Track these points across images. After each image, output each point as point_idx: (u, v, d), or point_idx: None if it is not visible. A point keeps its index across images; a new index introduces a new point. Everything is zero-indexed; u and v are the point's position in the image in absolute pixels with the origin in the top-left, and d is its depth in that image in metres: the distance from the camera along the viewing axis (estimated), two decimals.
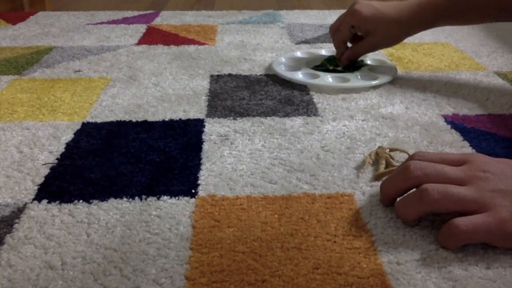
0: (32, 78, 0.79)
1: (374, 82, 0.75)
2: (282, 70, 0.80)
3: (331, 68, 0.81)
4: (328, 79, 0.76)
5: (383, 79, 0.76)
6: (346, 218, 0.45)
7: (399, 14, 0.73)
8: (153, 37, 1.04)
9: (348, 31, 0.77)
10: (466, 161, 0.44)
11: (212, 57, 0.91)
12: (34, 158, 0.55)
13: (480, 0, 0.69)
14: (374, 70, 0.80)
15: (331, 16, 1.24)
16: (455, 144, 0.58)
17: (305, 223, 0.44)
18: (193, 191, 0.49)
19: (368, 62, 0.85)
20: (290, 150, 0.57)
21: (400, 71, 0.83)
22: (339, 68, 0.81)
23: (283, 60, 0.85)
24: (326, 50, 0.90)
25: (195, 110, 0.68)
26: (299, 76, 0.77)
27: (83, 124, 0.63)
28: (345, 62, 0.79)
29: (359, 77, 0.77)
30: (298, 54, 0.89)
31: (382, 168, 0.52)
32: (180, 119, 0.65)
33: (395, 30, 0.74)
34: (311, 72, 0.79)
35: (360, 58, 0.85)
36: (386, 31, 0.74)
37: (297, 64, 0.83)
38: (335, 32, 0.79)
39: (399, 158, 0.55)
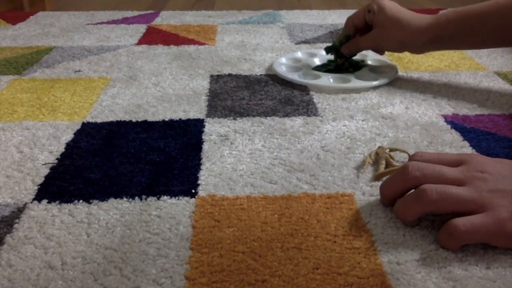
0: (32, 78, 0.80)
1: (374, 83, 0.75)
2: (283, 71, 0.80)
3: (329, 67, 0.81)
4: (329, 79, 0.76)
5: (383, 79, 0.76)
6: (346, 218, 0.45)
7: (411, 19, 0.71)
8: (153, 37, 1.04)
9: (362, 13, 0.76)
10: (464, 162, 0.44)
11: (212, 57, 0.91)
12: (34, 158, 0.55)
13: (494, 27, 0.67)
14: (375, 71, 0.80)
15: (331, 16, 1.24)
16: (455, 144, 0.58)
17: (305, 223, 0.44)
18: (193, 191, 0.49)
19: (369, 62, 0.85)
20: (290, 150, 0.57)
21: (400, 71, 0.83)
22: (331, 68, 0.81)
23: (284, 60, 0.85)
24: None
25: (195, 110, 0.68)
26: (300, 76, 0.77)
27: (83, 124, 0.63)
28: (345, 51, 0.78)
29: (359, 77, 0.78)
30: (299, 54, 0.89)
31: (382, 168, 0.52)
32: (180, 119, 0.65)
33: (401, 31, 0.72)
34: (312, 73, 0.79)
35: (360, 59, 0.85)
36: (391, 28, 0.72)
37: (298, 64, 0.83)
38: (350, 16, 0.78)
39: (399, 158, 0.55)
